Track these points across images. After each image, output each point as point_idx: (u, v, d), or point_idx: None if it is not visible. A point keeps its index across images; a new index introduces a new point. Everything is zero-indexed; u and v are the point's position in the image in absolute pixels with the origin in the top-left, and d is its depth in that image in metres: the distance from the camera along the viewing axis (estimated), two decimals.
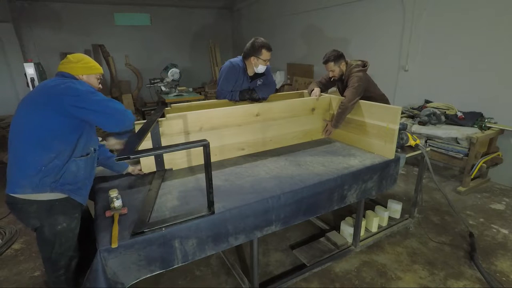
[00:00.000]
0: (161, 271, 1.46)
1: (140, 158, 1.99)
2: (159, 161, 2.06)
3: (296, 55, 6.86)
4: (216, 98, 2.71)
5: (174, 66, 5.56)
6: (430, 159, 2.51)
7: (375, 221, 2.52)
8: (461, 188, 3.42)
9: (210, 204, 1.51)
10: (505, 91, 3.44)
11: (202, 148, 1.39)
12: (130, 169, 1.99)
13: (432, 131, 3.55)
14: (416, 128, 3.68)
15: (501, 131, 3.43)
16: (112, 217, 1.49)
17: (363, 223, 2.44)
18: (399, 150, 2.34)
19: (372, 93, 2.66)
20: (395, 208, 2.73)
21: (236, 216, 1.60)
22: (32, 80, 4.40)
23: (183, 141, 2.05)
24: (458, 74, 3.85)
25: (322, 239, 2.47)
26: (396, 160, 2.26)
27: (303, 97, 2.92)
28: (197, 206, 1.59)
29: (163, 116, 2.10)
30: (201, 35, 9.07)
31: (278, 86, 6.49)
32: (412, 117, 3.97)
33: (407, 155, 2.33)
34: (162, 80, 5.66)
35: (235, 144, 2.32)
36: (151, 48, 8.48)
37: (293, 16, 6.71)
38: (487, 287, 2.08)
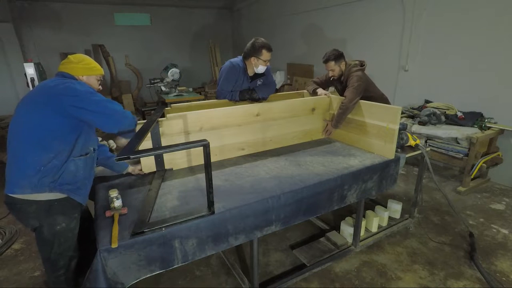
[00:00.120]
0: (161, 271, 1.46)
1: (140, 158, 1.99)
2: (159, 161, 2.06)
3: (296, 55, 6.86)
4: (216, 98, 2.71)
5: (174, 66, 5.56)
6: (430, 159, 2.51)
7: (375, 221, 2.52)
8: (461, 188, 3.43)
9: (210, 204, 1.51)
10: (505, 91, 3.44)
11: (202, 148, 1.39)
12: (130, 169, 1.99)
13: (432, 131, 3.55)
14: (416, 128, 3.68)
15: (501, 131, 3.43)
16: (112, 217, 1.48)
17: (363, 223, 2.44)
18: (399, 150, 2.34)
19: (372, 93, 2.66)
20: (395, 208, 2.73)
21: (236, 216, 1.60)
22: (32, 80, 4.40)
23: (183, 141, 2.05)
24: (458, 74, 3.85)
25: (322, 239, 2.47)
26: (396, 160, 2.26)
27: (303, 97, 2.92)
28: (197, 206, 1.59)
29: (163, 116, 2.11)
30: (201, 35, 9.08)
31: (278, 86, 6.50)
32: (412, 117, 3.97)
33: (407, 155, 2.33)
34: (162, 80, 5.66)
35: (235, 144, 2.32)
36: (151, 48, 8.48)
37: (293, 16, 6.71)
38: (487, 287, 2.08)
